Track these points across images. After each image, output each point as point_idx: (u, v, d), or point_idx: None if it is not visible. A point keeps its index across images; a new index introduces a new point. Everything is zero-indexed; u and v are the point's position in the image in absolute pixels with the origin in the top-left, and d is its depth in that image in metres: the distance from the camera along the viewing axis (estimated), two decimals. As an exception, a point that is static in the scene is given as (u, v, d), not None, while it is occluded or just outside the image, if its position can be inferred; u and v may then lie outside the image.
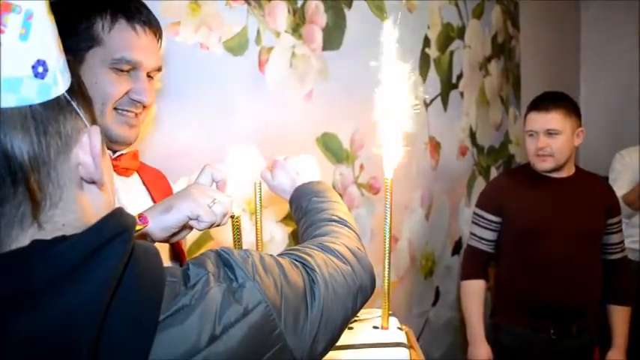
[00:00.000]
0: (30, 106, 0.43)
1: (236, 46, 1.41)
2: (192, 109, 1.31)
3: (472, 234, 1.87)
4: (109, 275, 0.42)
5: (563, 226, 1.70)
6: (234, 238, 0.89)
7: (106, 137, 0.82)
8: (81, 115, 0.48)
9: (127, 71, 0.82)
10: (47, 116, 0.45)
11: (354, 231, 0.81)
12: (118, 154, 0.88)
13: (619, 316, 1.80)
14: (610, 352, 1.79)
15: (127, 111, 0.83)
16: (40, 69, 0.44)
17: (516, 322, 1.76)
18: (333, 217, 0.82)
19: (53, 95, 0.45)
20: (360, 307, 0.70)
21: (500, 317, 1.84)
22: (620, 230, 1.83)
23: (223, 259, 0.54)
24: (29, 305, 0.39)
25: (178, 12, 1.27)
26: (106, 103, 0.80)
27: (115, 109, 0.82)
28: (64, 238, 0.43)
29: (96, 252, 0.42)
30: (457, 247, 2.47)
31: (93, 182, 0.49)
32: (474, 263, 1.86)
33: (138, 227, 0.68)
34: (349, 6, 1.74)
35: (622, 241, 1.84)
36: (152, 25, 0.85)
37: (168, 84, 1.24)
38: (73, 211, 0.47)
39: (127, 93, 0.82)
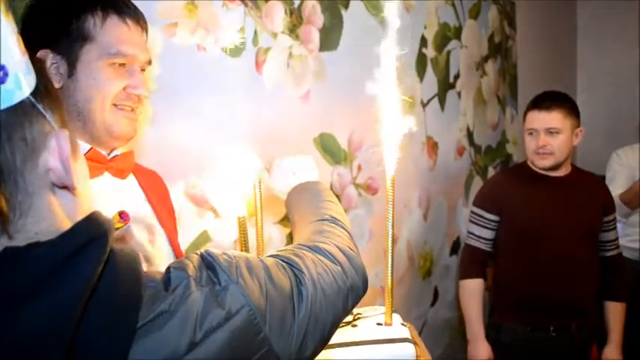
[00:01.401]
0: None
1: (233, 48, 1.40)
2: (189, 110, 1.31)
3: (470, 233, 1.87)
4: (85, 280, 0.41)
5: (562, 224, 1.71)
6: (240, 239, 0.90)
7: (108, 133, 0.82)
8: (48, 117, 0.46)
9: (123, 65, 0.82)
10: (11, 123, 0.42)
11: (346, 230, 0.80)
12: (112, 154, 0.88)
13: (614, 312, 1.81)
14: (606, 350, 1.80)
15: (126, 105, 0.84)
16: (0, 74, 0.41)
17: (516, 321, 1.77)
18: (325, 217, 0.81)
19: (17, 100, 0.43)
20: (352, 308, 0.69)
21: (499, 316, 1.84)
22: (615, 227, 1.85)
23: (207, 262, 0.53)
24: (4, 309, 0.38)
25: (175, 13, 1.27)
26: (105, 100, 0.81)
27: (114, 104, 0.82)
28: (37, 244, 0.42)
29: (71, 257, 0.41)
30: (455, 247, 2.46)
31: (65, 187, 0.47)
32: (472, 262, 1.86)
33: (118, 225, 0.66)
34: (346, 6, 1.74)
35: (617, 238, 1.86)
36: (140, 18, 0.86)
37: (165, 85, 1.24)
38: (45, 218, 0.45)
39: (124, 88, 0.82)
